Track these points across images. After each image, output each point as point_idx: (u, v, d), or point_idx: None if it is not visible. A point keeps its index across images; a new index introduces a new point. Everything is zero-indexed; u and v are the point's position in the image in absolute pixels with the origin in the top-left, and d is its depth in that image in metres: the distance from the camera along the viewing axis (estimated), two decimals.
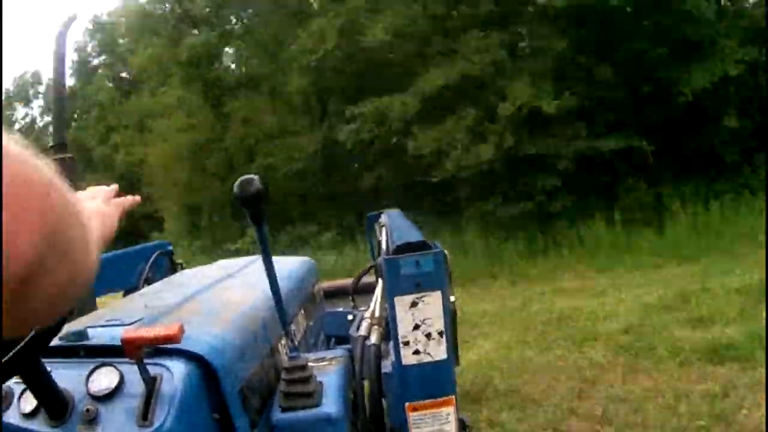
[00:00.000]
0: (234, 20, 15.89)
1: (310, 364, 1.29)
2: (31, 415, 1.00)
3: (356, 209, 11.57)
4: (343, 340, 2.19)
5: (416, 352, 1.36)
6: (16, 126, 24.97)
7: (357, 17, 11.42)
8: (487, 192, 10.70)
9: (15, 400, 1.02)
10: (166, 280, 2.18)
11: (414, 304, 1.35)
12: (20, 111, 26.55)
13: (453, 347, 1.46)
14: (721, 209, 9.29)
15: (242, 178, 1.10)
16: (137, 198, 1.08)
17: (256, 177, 1.10)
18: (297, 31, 12.48)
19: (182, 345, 1.04)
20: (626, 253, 8.71)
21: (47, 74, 26.12)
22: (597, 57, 10.76)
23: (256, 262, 2.17)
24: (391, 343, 1.41)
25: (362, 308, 2.08)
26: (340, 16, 11.44)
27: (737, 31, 10.53)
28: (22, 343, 0.88)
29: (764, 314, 4.01)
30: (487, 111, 10.48)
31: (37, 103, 26.41)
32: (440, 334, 1.35)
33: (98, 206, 0.92)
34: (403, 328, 1.35)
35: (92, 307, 1.69)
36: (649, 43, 10.44)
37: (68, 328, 1.13)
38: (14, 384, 1.02)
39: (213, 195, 14.88)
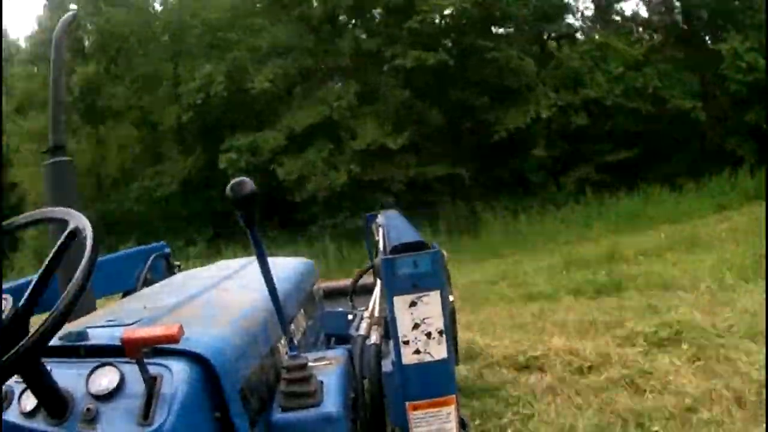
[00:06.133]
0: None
1: (310, 363, 1.29)
2: (31, 414, 1.00)
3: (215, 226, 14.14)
4: (343, 339, 2.19)
5: (416, 352, 1.36)
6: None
7: (241, 65, 14.22)
8: (336, 208, 13.67)
9: (15, 399, 1.02)
10: (165, 281, 2.18)
11: (413, 304, 1.35)
12: None
13: (453, 346, 1.46)
14: (528, 220, 12.61)
15: (234, 180, 1.10)
16: None
17: (248, 179, 1.10)
18: (179, 70, 15.26)
19: (182, 345, 1.04)
20: (451, 253, 10.20)
21: None
22: (431, 103, 14.50)
23: (254, 262, 2.16)
24: (391, 343, 1.41)
25: (361, 308, 2.08)
26: (225, 62, 14.18)
27: (553, 80, 14.29)
28: (22, 343, 0.88)
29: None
30: (340, 145, 13.80)
31: None
32: (440, 333, 1.35)
33: None
34: (403, 328, 1.35)
35: (92, 308, 1.69)
36: (472, 92, 14.29)
37: (68, 328, 1.13)
38: (15, 383, 1.02)
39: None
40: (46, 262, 1.04)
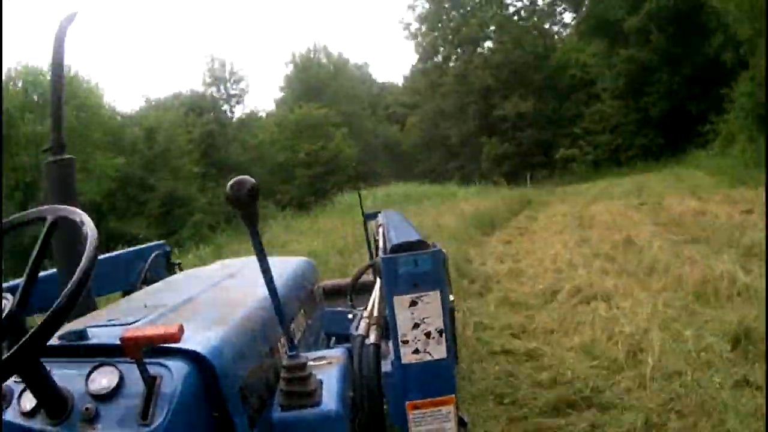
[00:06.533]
0: None
1: (309, 363, 1.29)
2: (30, 414, 1.00)
3: None
4: (343, 338, 2.19)
5: (416, 351, 1.36)
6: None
7: None
8: None
9: (15, 399, 1.02)
10: (165, 280, 2.18)
11: (413, 304, 1.35)
12: None
13: (452, 346, 1.46)
14: None
15: (234, 179, 1.11)
16: None
17: (249, 178, 1.11)
18: None
19: (182, 345, 1.04)
20: None
21: None
22: None
23: (255, 262, 2.17)
24: (391, 342, 1.41)
25: (360, 307, 2.08)
26: None
27: None
28: (21, 342, 0.88)
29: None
30: None
31: None
32: (440, 332, 1.36)
33: None
34: (403, 327, 1.35)
35: (92, 307, 1.69)
36: None
37: (68, 327, 1.13)
38: (14, 383, 1.02)
39: None
40: (32, 259, 1.05)
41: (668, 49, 24.24)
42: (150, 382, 1.00)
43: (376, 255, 2.90)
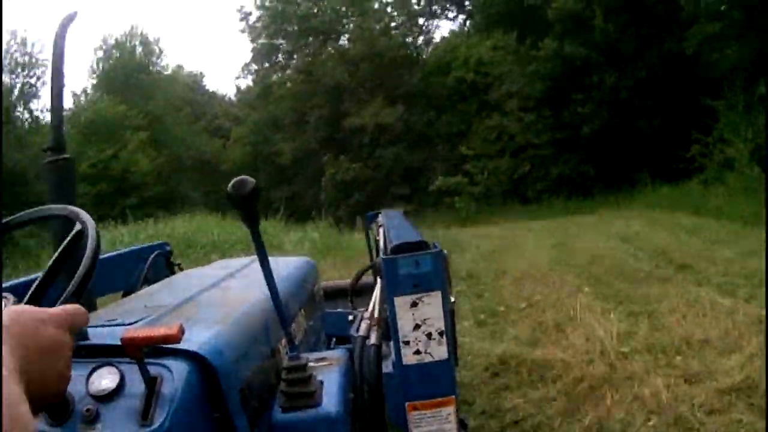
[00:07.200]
0: None
1: (310, 364, 1.29)
2: None
3: None
4: (343, 340, 2.19)
5: (417, 352, 1.36)
6: None
7: None
8: None
9: None
10: (166, 280, 2.18)
11: (414, 305, 1.35)
12: None
13: (452, 347, 1.46)
14: None
15: (236, 179, 1.11)
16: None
17: (249, 177, 1.11)
18: None
19: (182, 345, 1.04)
20: None
21: None
22: None
23: (256, 262, 2.17)
24: (392, 343, 1.41)
25: (361, 308, 2.08)
26: None
27: None
28: None
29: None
30: None
31: None
32: (441, 334, 1.36)
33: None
34: (404, 328, 1.35)
35: (92, 308, 1.69)
36: None
37: None
38: None
39: None
40: (52, 261, 1.04)
41: (613, 44, 17.43)
42: (151, 382, 1.00)
43: (377, 256, 2.90)
